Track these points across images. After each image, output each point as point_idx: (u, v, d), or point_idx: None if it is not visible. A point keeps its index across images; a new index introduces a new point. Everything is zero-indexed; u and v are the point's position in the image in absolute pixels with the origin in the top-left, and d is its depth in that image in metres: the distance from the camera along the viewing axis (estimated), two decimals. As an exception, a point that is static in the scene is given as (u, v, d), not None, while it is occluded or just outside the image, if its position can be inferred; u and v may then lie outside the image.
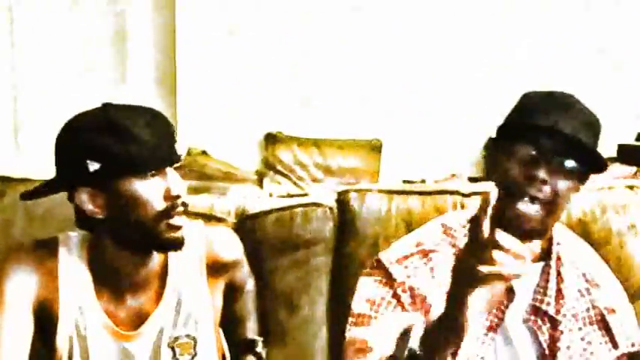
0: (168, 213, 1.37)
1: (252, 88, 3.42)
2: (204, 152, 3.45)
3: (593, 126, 1.40)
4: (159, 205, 1.36)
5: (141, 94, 3.33)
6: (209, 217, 1.84)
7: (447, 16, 3.42)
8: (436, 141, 3.69)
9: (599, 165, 1.39)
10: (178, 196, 1.38)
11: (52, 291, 1.42)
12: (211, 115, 3.43)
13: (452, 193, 1.85)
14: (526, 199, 1.34)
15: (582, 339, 1.43)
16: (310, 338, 1.68)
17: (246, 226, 1.85)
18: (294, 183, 3.40)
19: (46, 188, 1.43)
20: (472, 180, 3.44)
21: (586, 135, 1.36)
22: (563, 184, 1.36)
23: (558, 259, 1.47)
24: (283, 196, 2.41)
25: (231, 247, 1.60)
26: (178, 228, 1.39)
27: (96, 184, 1.35)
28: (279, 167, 3.53)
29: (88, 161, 1.32)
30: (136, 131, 1.32)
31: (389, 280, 1.46)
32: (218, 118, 3.44)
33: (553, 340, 1.42)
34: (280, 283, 1.83)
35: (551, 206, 1.36)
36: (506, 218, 1.34)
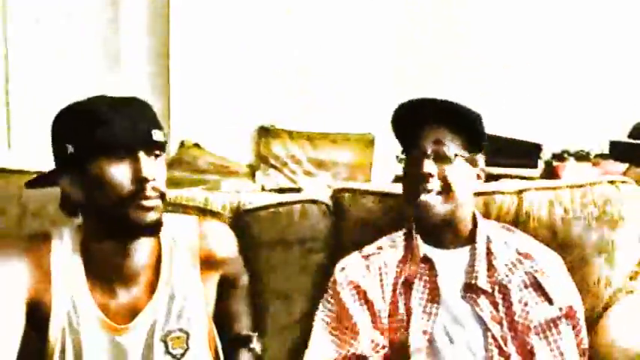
0: (136, 195, 1.37)
1: (245, 82, 3.40)
2: (197, 145, 3.44)
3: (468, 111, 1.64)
4: (127, 187, 1.37)
5: (134, 86, 3.31)
6: (204, 212, 1.84)
7: (444, 9, 3.41)
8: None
9: (477, 136, 1.65)
10: (147, 179, 1.37)
11: (44, 284, 1.42)
12: (204, 108, 3.41)
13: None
14: (423, 193, 1.61)
15: (519, 301, 1.61)
16: (305, 334, 1.68)
17: (242, 221, 1.85)
18: (287, 177, 3.39)
19: (45, 178, 1.46)
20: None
21: (458, 107, 1.64)
22: (452, 173, 1.61)
23: (489, 240, 1.69)
24: (276, 190, 2.40)
25: (225, 243, 1.60)
26: (149, 209, 1.39)
27: (74, 167, 1.38)
28: (271, 160, 3.52)
29: (66, 145, 1.36)
30: (104, 115, 1.35)
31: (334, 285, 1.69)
32: (211, 111, 3.42)
33: (494, 308, 1.60)
34: (275, 279, 1.83)
35: (448, 194, 1.62)
36: (415, 215, 1.65)
